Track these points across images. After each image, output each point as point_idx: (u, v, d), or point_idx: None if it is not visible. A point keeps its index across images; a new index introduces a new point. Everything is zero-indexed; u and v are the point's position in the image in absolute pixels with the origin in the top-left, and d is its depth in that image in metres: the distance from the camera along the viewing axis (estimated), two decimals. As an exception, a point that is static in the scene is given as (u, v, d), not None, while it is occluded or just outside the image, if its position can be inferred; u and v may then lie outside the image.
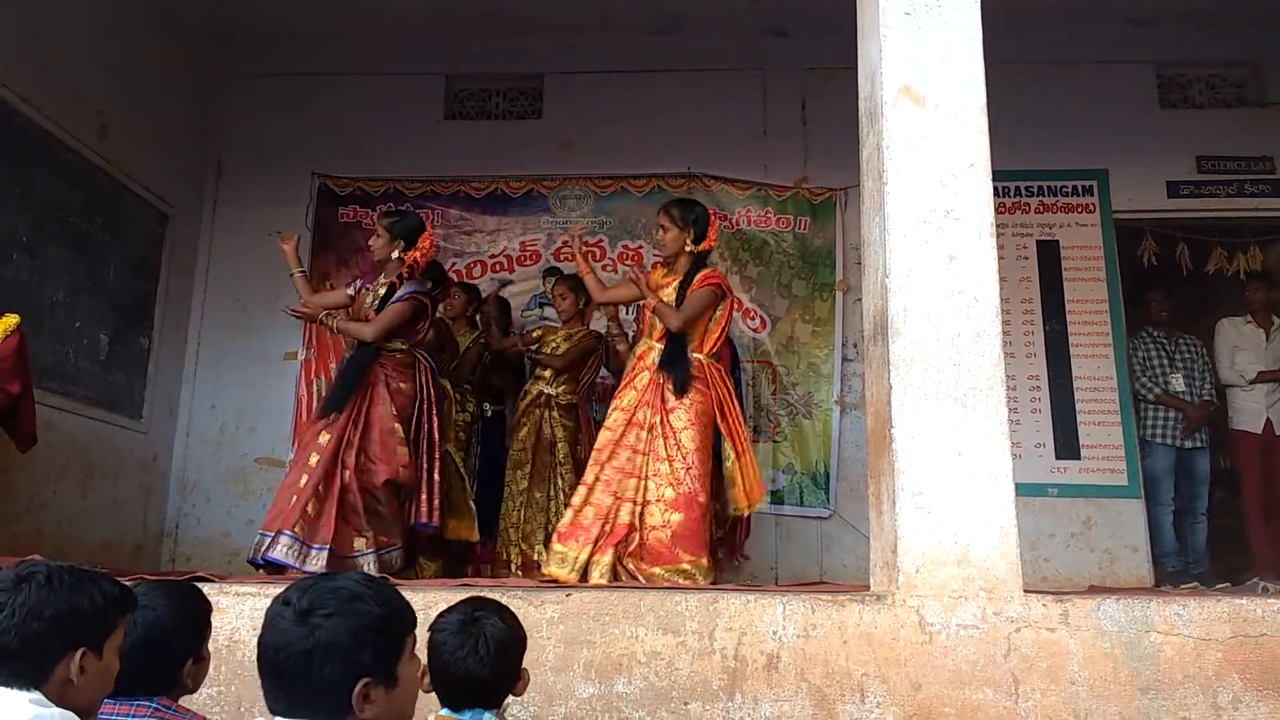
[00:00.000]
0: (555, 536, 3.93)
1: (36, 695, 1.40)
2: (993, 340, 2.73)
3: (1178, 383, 5.64)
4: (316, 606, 1.39)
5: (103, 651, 1.50)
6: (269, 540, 3.74)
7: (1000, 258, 2.84)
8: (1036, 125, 5.72)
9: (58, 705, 1.40)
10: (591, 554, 3.77)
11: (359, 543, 3.87)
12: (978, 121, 2.88)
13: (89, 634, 1.48)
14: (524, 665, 1.99)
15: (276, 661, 1.37)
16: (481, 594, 2.70)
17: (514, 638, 1.96)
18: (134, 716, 1.73)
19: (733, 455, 4.01)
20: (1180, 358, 5.70)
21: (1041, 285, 5.95)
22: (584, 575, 3.75)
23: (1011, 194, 6.04)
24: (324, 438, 3.91)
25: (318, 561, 3.74)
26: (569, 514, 3.91)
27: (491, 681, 1.90)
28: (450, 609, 1.99)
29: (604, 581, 3.68)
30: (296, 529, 3.72)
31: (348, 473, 3.87)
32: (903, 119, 2.88)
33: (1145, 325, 5.84)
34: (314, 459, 3.86)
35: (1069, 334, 5.89)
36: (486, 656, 1.88)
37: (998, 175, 2.89)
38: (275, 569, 3.71)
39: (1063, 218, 6.06)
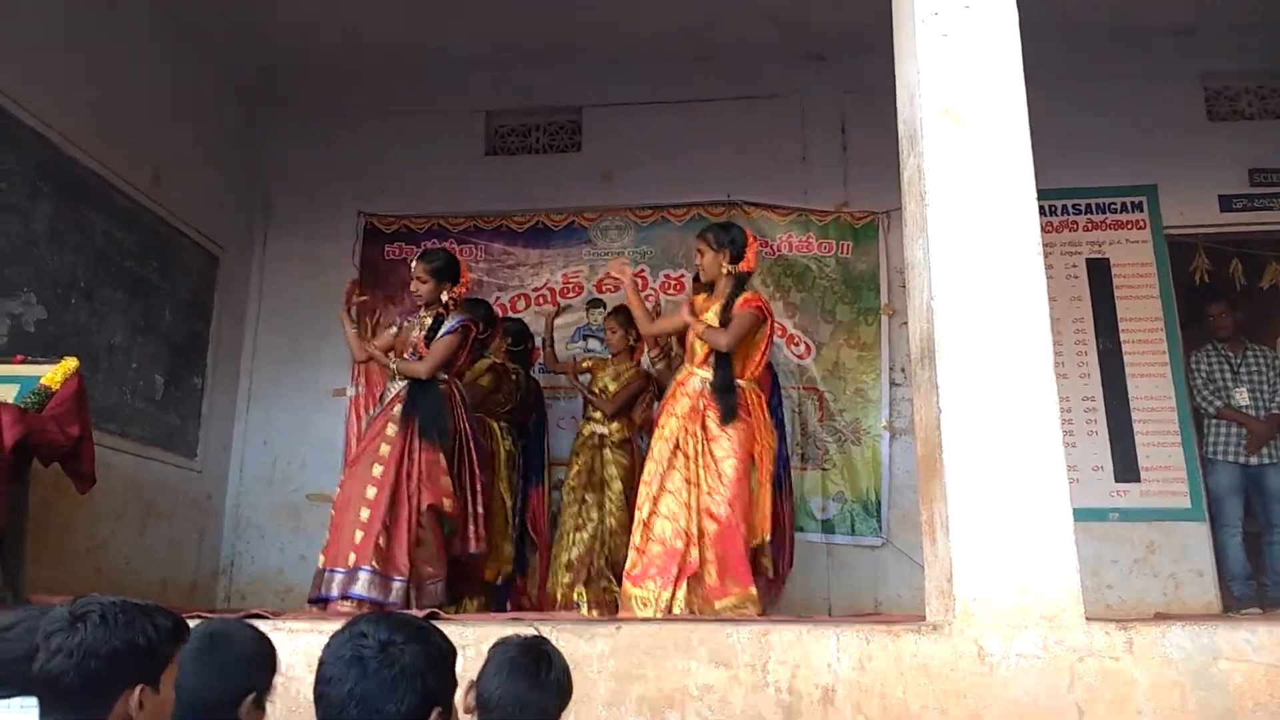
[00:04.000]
0: (627, 579, 3.84)
1: (96, 733, 1.41)
2: (1044, 361, 2.68)
3: (1241, 396, 5.46)
4: (394, 636, 1.41)
5: (159, 685, 1.51)
6: (344, 576, 3.77)
7: (1049, 277, 2.80)
8: (1083, 142, 5.66)
9: (116, 743, 1.42)
10: (673, 592, 3.72)
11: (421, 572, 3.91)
12: (1019, 140, 2.85)
13: (146, 669, 1.49)
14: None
15: (350, 692, 1.38)
16: (531, 627, 2.69)
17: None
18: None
19: (756, 481, 3.97)
20: (1247, 370, 5.52)
21: (1093, 304, 5.84)
22: (668, 614, 3.69)
23: (1059, 212, 5.95)
24: (376, 470, 3.95)
25: (398, 592, 3.77)
26: (634, 555, 3.85)
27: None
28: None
29: None
30: (374, 563, 3.76)
31: (412, 502, 3.91)
32: (943, 140, 2.86)
33: (1208, 339, 5.69)
34: (371, 491, 3.90)
35: (1123, 352, 5.77)
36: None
37: (1044, 194, 2.85)
38: (364, 604, 3.73)
39: (1112, 234, 5.95)
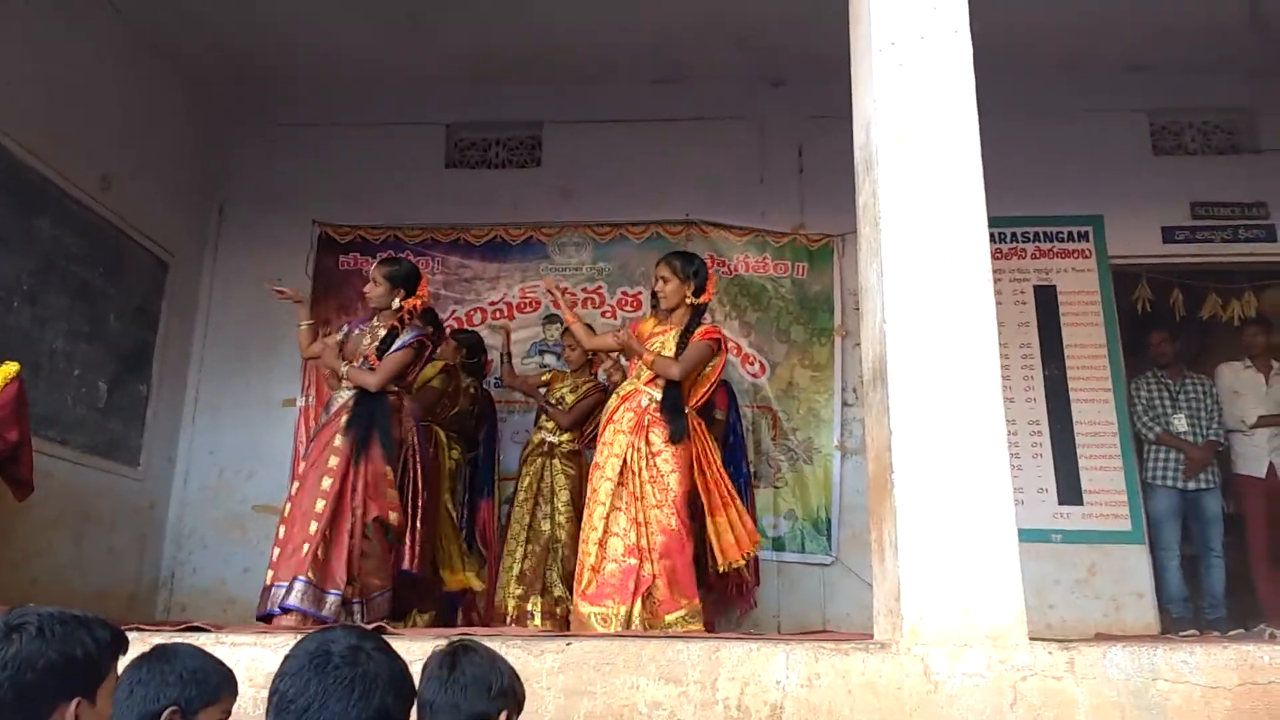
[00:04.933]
0: (582, 598, 3.84)
1: (29, 748, 1.38)
2: (992, 385, 2.73)
3: (1180, 423, 5.61)
4: (363, 644, 1.40)
5: (96, 699, 1.48)
6: (284, 590, 3.71)
7: (998, 303, 2.86)
8: (1032, 171, 5.78)
9: (50, 759, 1.38)
10: (630, 608, 3.73)
11: (353, 588, 3.85)
12: (972, 169, 2.91)
13: (83, 682, 1.46)
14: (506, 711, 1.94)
15: (309, 707, 1.36)
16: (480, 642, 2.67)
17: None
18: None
19: (708, 514, 4.00)
20: (1185, 397, 5.67)
21: (1040, 330, 5.96)
22: (626, 628, 3.69)
23: (1008, 239, 6.08)
24: (326, 482, 3.90)
25: (332, 606, 3.72)
26: (588, 574, 3.85)
27: None
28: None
29: None
30: (310, 574, 3.70)
31: (357, 514, 3.86)
32: (898, 167, 2.91)
33: (1149, 366, 5.84)
34: (319, 504, 3.84)
35: (1068, 378, 5.89)
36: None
37: (994, 221, 2.91)
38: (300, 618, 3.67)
39: (1060, 263, 6.09)
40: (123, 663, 1.63)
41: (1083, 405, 5.84)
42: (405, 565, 4.06)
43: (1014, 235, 6.10)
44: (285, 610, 3.69)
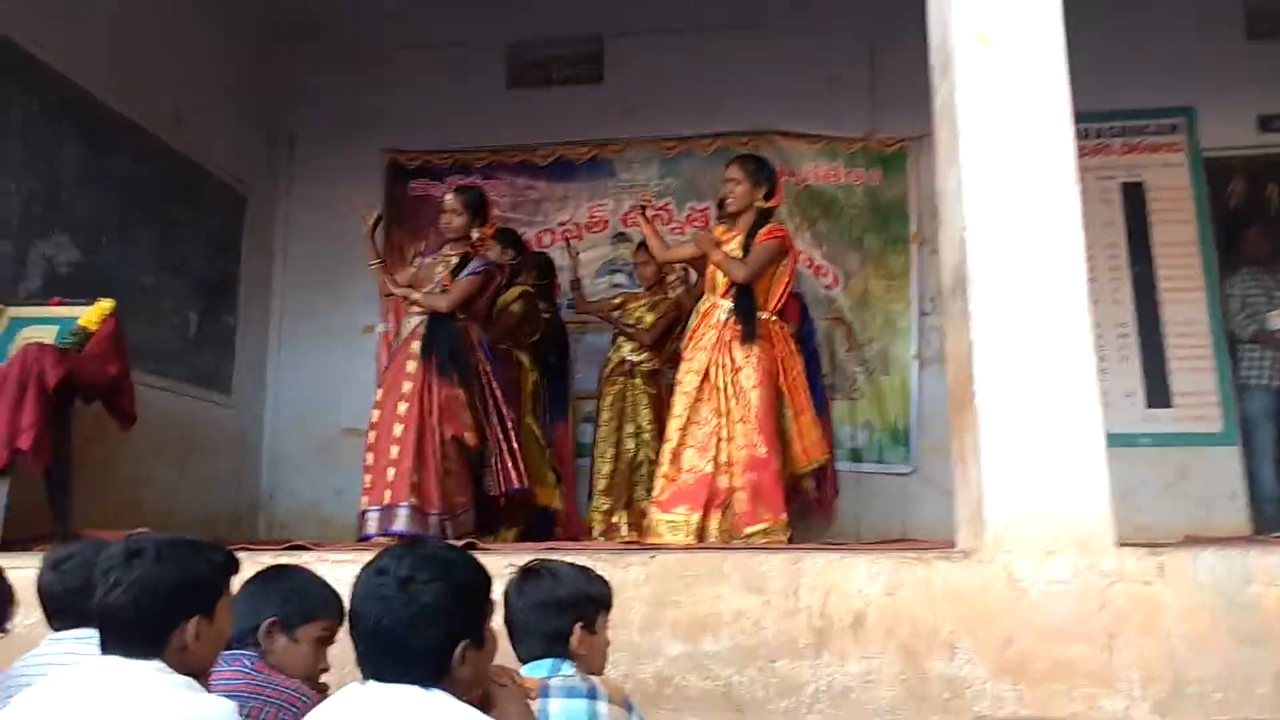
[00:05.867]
0: (655, 505, 3.92)
1: (159, 664, 1.47)
2: (1078, 290, 2.66)
3: (1277, 321, 5.39)
4: (416, 573, 1.44)
5: (214, 616, 1.57)
6: (379, 514, 3.85)
7: (1083, 203, 2.75)
8: (1118, 64, 5.48)
9: (177, 671, 1.47)
10: (704, 518, 3.79)
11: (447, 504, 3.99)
12: (1056, 64, 2.78)
13: (201, 601, 1.54)
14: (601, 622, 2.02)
15: (378, 628, 1.42)
16: (566, 556, 2.75)
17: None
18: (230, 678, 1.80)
19: (790, 414, 4.01)
20: None
21: (1127, 229, 5.74)
22: (699, 539, 3.76)
23: (1093, 136, 5.81)
24: (402, 407, 4.01)
25: (434, 526, 3.87)
26: (662, 482, 3.92)
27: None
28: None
29: None
30: (411, 499, 3.84)
31: (436, 436, 3.96)
32: (976, 66, 2.80)
33: (1243, 263, 5.60)
34: (398, 428, 3.96)
35: (1157, 278, 5.69)
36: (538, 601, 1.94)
37: (1078, 117, 2.79)
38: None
39: (1149, 158, 5.82)
40: (238, 581, 1.73)
41: (1172, 305, 5.65)
42: (515, 484, 4.17)
43: (1099, 131, 5.83)
44: (389, 535, 3.83)
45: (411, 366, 4.08)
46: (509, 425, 4.25)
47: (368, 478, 4.04)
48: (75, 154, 4.72)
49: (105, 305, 3.75)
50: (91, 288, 4.37)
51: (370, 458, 4.07)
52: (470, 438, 4.08)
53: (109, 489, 4.70)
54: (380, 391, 4.21)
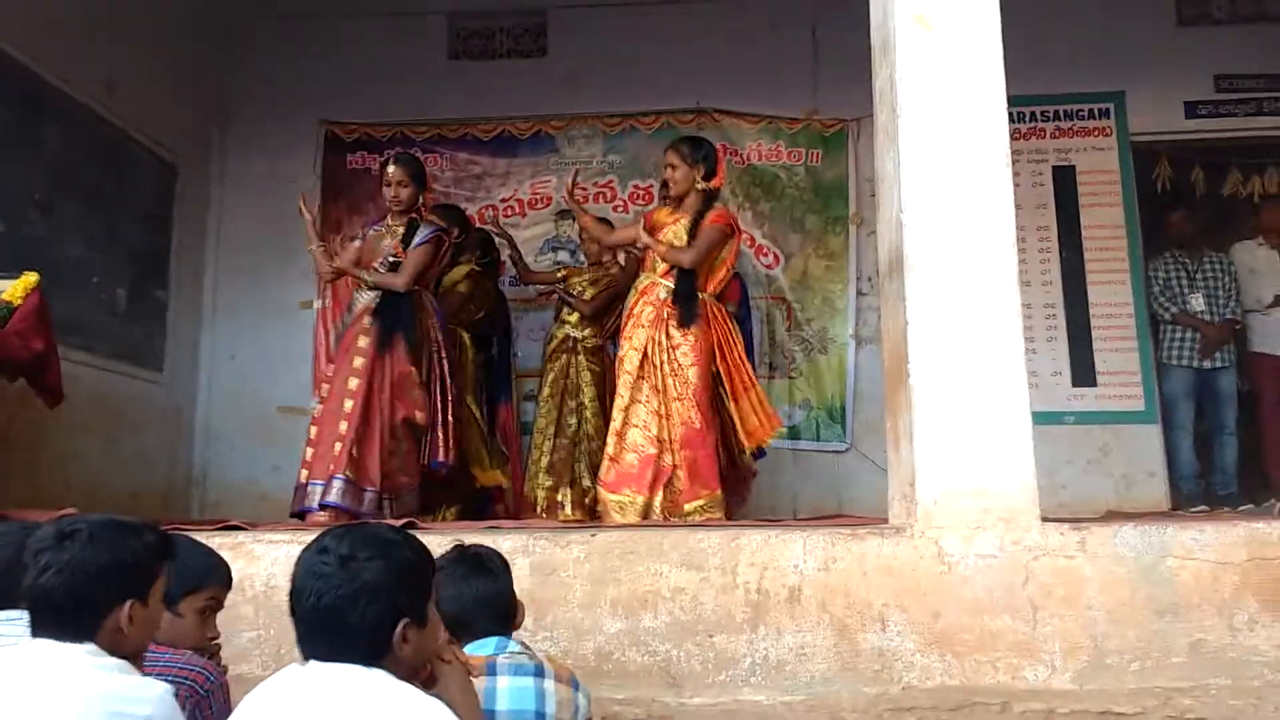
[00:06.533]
0: (602, 486, 3.97)
1: (91, 647, 1.45)
2: (1009, 273, 2.73)
3: (1197, 302, 5.58)
4: (357, 551, 1.44)
5: (148, 600, 1.55)
6: (321, 487, 3.83)
7: (1015, 185, 2.82)
8: (1051, 48, 5.60)
9: (111, 655, 1.46)
10: (649, 498, 3.84)
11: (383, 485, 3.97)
12: (993, 49, 2.84)
13: (135, 585, 1.52)
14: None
15: (318, 607, 1.42)
16: (508, 535, 2.76)
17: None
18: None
19: (729, 399, 4.06)
20: (1203, 276, 5.62)
21: (1057, 211, 5.89)
22: (644, 519, 3.81)
23: (1026, 119, 5.94)
24: (353, 382, 3.98)
25: (370, 502, 3.84)
26: (606, 463, 3.96)
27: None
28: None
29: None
30: (347, 472, 3.81)
31: (385, 413, 3.95)
32: (916, 49, 2.84)
33: (1167, 246, 5.78)
34: (348, 404, 3.93)
35: (1085, 260, 5.85)
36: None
37: (1012, 100, 2.85)
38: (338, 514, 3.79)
39: (1079, 142, 5.96)
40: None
41: (1099, 287, 5.81)
42: (440, 457, 4.16)
43: (1032, 115, 5.96)
44: (324, 507, 3.81)
45: (364, 342, 4.05)
46: (449, 398, 4.24)
47: (309, 451, 4.00)
48: (0, 122, 4.54)
49: (30, 279, 3.63)
50: (16, 260, 4.21)
51: (314, 431, 4.04)
52: (420, 417, 4.08)
53: (35, 467, 4.58)
54: (331, 368, 4.17)
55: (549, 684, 1.84)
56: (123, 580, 1.50)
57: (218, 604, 1.96)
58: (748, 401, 4.10)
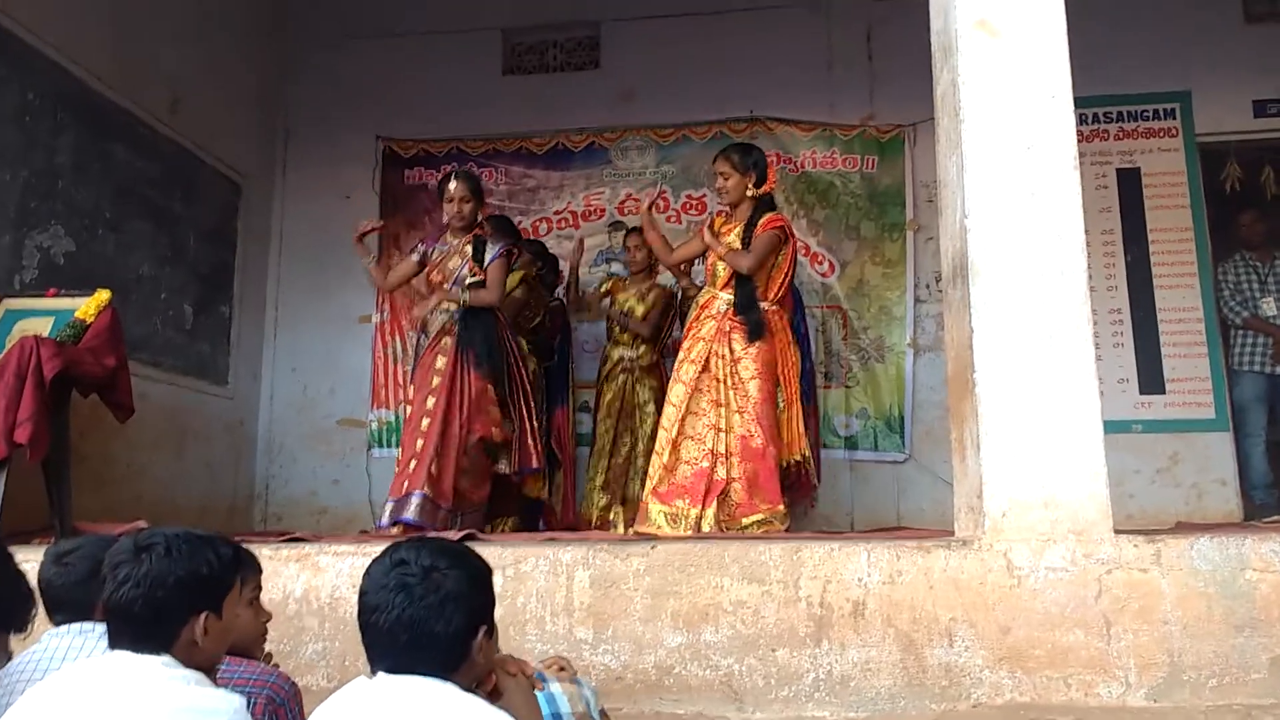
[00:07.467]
0: (653, 495, 3.93)
1: (167, 659, 1.47)
2: (1078, 278, 2.67)
3: (1269, 306, 5.41)
4: (438, 562, 1.46)
5: (222, 612, 1.57)
6: (395, 504, 3.90)
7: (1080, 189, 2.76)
8: (1115, 48, 5.49)
9: (186, 667, 1.48)
10: (701, 511, 3.81)
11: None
12: (1057, 51, 2.79)
13: (210, 597, 1.54)
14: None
15: (400, 618, 1.43)
16: (568, 548, 2.76)
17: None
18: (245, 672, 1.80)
19: (783, 405, 4.06)
20: (1274, 280, 5.45)
21: (1122, 214, 5.75)
22: (697, 532, 3.78)
23: (1090, 121, 5.82)
24: (430, 401, 4.03)
25: (444, 519, 3.90)
26: (660, 473, 3.93)
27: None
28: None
29: None
30: (426, 489, 3.86)
31: (461, 432, 4.02)
32: (978, 52, 2.80)
33: (1237, 248, 5.61)
34: (425, 423, 3.99)
35: (1151, 264, 5.71)
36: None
37: (1075, 103, 2.80)
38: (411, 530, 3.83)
39: (1144, 143, 5.82)
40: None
41: (1166, 291, 5.67)
42: (533, 464, 4.24)
43: (1096, 116, 5.83)
44: (401, 523, 3.85)
45: (441, 363, 4.10)
46: (532, 406, 4.33)
47: (396, 472, 4.09)
48: (71, 143, 4.69)
49: (102, 296, 3.73)
50: (88, 278, 4.37)
51: (400, 454, 4.14)
52: (497, 433, 4.13)
53: (106, 481, 4.70)
54: (413, 389, 4.26)
55: (554, 686, 1.84)
56: (198, 592, 1.52)
57: (260, 589, 1.99)
58: (786, 416, 4.09)
